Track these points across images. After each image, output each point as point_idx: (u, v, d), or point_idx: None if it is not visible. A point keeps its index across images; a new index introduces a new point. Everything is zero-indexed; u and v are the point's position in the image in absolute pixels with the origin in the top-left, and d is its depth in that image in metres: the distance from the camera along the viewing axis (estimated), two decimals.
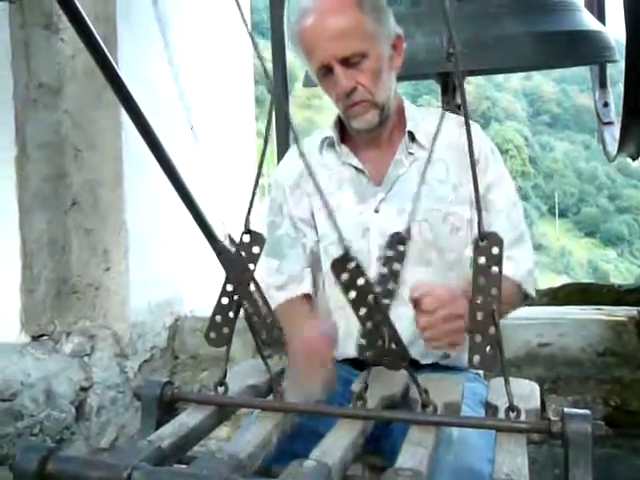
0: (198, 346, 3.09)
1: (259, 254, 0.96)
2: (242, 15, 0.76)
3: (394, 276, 0.90)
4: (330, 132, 1.70)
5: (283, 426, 1.01)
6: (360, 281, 0.84)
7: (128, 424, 2.95)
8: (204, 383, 3.03)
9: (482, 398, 1.13)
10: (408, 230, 0.93)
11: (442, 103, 2.55)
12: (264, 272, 1.68)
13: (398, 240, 0.91)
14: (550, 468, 2.43)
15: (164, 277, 3.09)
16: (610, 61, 2.38)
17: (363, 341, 0.89)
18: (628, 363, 2.54)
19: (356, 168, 1.66)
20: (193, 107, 0.82)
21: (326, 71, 1.54)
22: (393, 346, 0.87)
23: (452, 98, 2.50)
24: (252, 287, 0.97)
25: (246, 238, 0.96)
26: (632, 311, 2.64)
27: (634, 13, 1.99)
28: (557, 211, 67.12)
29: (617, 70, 2.77)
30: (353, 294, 0.85)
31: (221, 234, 1.56)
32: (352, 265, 0.84)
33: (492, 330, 0.86)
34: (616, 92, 3.02)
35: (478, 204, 0.85)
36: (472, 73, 2.50)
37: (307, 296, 1.68)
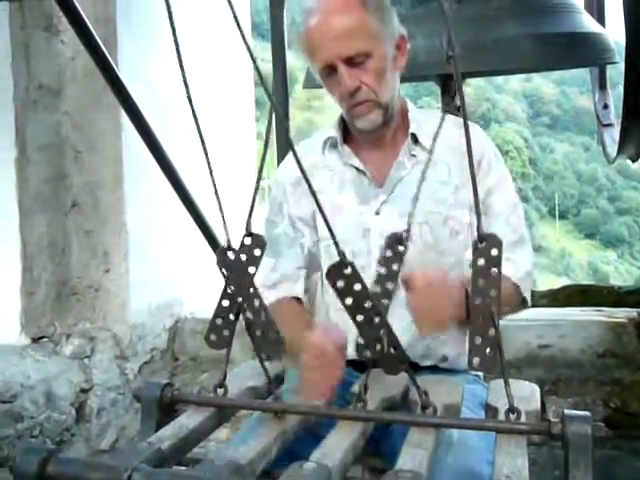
0: (198, 348, 3.09)
1: (260, 256, 0.96)
2: (237, 20, 0.76)
3: (393, 276, 0.90)
4: (333, 132, 1.70)
5: (284, 435, 1.01)
6: (356, 287, 0.84)
7: (128, 426, 2.95)
8: (204, 385, 3.03)
9: (482, 400, 1.13)
10: (408, 230, 0.93)
11: (442, 105, 2.55)
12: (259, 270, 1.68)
13: (396, 240, 0.91)
14: (550, 469, 2.43)
15: (164, 279, 3.09)
16: (610, 63, 2.38)
17: (362, 340, 0.89)
18: (628, 365, 2.54)
19: (358, 169, 1.66)
20: (194, 107, 0.82)
21: (330, 71, 1.54)
22: (392, 351, 0.87)
23: (452, 100, 2.50)
24: (252, 290, 0.97)
25: (247, 241, 0.96)
26: (632, 313, 2.64)
27: (634, 15, 1.99)
28: (557, 213, 67.11)
29: (617, 72, 2.77)
30: (349, 300, 0.85)
31: (221, 236, 1.56)
32: (348, 271, 0.83)
33: (492, 332, 0.86)
34: (616, 94, 3.02)
35: (477, 206, 0.85)
36: (472, 75, 2.50)
37: (297, 299, 1.68)
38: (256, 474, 0.91)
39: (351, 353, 1.61)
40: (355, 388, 1.07)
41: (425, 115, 1.70)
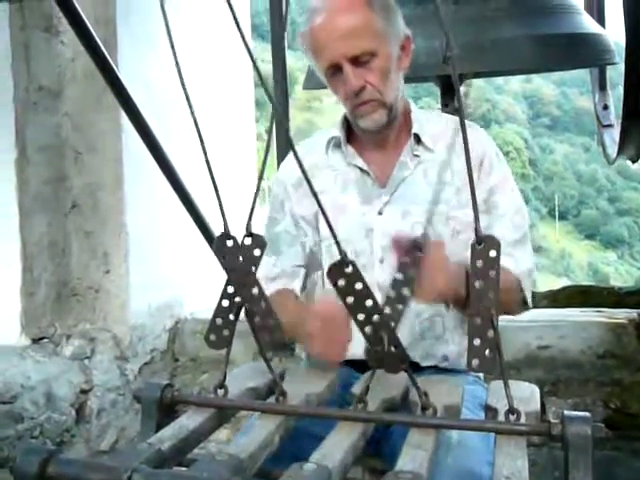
0: (198, 348, 3.09)
1: (260, 256, 0.96)
2: (236, 21, 0.76)
3: (409, 282, 0.90)
4: (337, 132, 1.70)
5: (286, 424, 1.01)
6: (358, 286, 0.84)
7: (128, 426, 2.95)
8: (204, 385, 3.03)
9: (482, 401, 1.13)
10: (425, 236, 0.93)
11: (441, 106, 2.55)
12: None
13: (415, 247, 0.91)
14: (550, 470, 2.43)
15: (164, 280, 3.09)
16: (610, 64, 2.37)
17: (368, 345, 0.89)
18: (628, 365, 2.54)
19: (361, 169, 1.66)
20: (193, 109, 0.82)
21: (335, 70, 1.54)
22: (392, 350, 0.87)
23: (451, 100, 2.50)
24: (255, 289, 0.97)
25: (247, 241, 0.96)
26: (632, 313, 2.64)
27: (634, 16, 1.99)
28: (557, 213, 67.13)
29: (617, 73, 2.77)
30: (350, 299, 0.85)
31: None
32: (349, 270, 0.83)
33: (491, 333, 0.86)
34: (616, 95, 3.02)
35: (475, 206, 0.85)
36: (471, 76, 2.50)
37: (295, 295, 1.69)
38: (257, 467, 0.91)
39: (351, 353, 1.62)
40: (355, 389, 1.08)
41: (427, 116, 1.71)
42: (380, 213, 1.62)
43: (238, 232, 0.95)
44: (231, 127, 3.57)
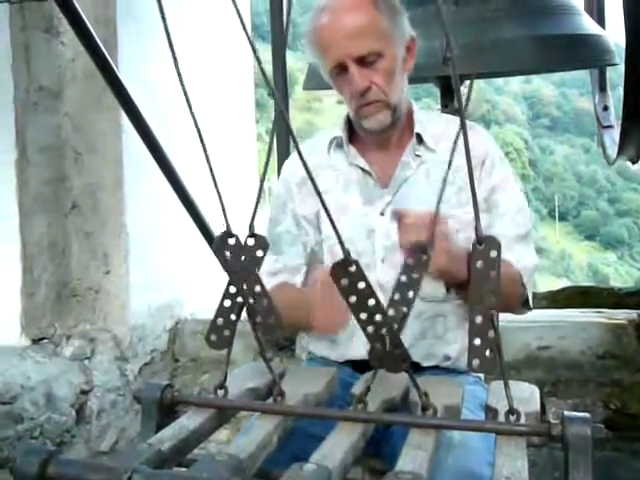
0: (198, 349, 3.09)
1: (262, 257, 0.96)
2: (241, 19, 0.76)
3: (414, 284, 0.90)
4: (339, 132, 1.70)
5: (284, 424, 1.01)
6: (360, 285, 0.84)
7: (128, 427, 2.95)
8: (204, 386, 3.03)
9: (482, 401, 1.13)
10: (431, 239, 0.93)
11: (441, 106, 2.55)
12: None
13: (420, 249, 0.91)
14: (550, 471, 2.43)
15: (164, 280, 3.09)
16: (610, 65, 2.38)
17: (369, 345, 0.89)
18: (628, 366, 2.54)
19: (363, 170, 1.66)
20: (193, 110, 0.82)
21: (340, 70, 1.54)
22: (394, 349, 0.87)
23: (451, 101, 2.50)
24: (257, 289, 0.97)
25: (250, 241, 0.96)
26: (632, 314, 2.64)
27: (634, 17, 1.99)
28: (557, 214, 67.18)
29: (617, 73, 2.77)
30: (353, 298, 0.85)
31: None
32: (353, 269, 0.83)
33: (491, 333, 0.86)
34: (616, 95, 3.02)
35: (476, 206, 0.85)
36: (471, 76, 2.50)
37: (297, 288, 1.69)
38: (257, 467, 0.91)
39: (353, 354, 1.63)
40: (355, 389, 1.08)
41: (429, 116, 1.71)
42: (382, 214, 1.62)
43: (239, 233, 0.95)
44: (231, 128, 3.57)
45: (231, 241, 0.94)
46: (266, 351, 1.02)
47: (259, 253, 0.96)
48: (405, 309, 0.90)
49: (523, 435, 0.91)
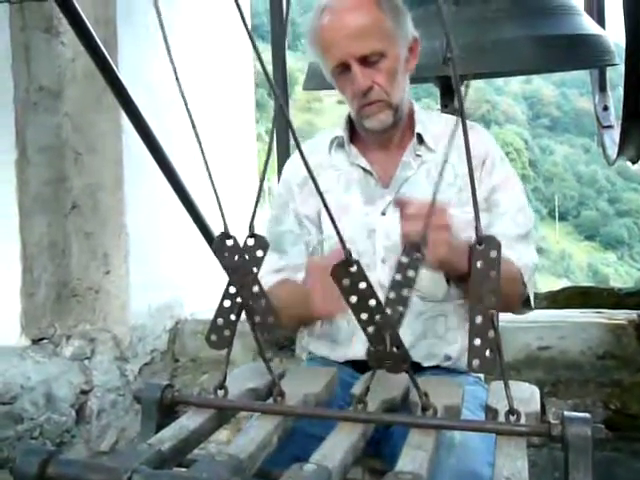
0: (198, 349, 3.10)
1: (263, 257, 0.96)
2: (243, 18, 0.76)
3: (409, 283, 0.90)
4: (340, 132, 1.70)
5: (284, 425, 1.01)
6: (362, 285, 0.84)
7: (128, 427, 2.95)
8: (204, 386, 3.03)
9: (482, 401, 1.13)
10: (425, 237, 0.92)
11: (441, 107, 2.55)
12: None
13: (414, 247, 0.91)
14: (550, 471, 2.43)
15: (164, 280, 3.09)
16: (610, 65, 2.38)
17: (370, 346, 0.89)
18: (628, 366, 2.54)
19: (364, 169, 1.66)
20: (193, 110, 0.81)
21: (343, 69, 1.54)
22: (395, 349, 0.87)
23: (451, 101, 2.50)
24: (255, 289, 0.96)
25: (250, 242, 0.96)
26: (632, 314, 2.64)
27: (634, 17, 1.99)
28: (557, 214, 67.20)
29: (617, 74, 2.77)
30: (354, 299, 0.85)
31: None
32: (354, 269, 0.83)
33: (491, 334, 0.86)
34: (616, 96, 3.02)
35: (476, 206, 0.85)
36: (470, 77, 2.50)
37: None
38: (257, 467, 0.91)
39: (353, 354, 1.63)
40: (355, 389, 1.08)
41: (430, 116, 1.71)
42: (383, 213, 1.62)
43: (239, 233, 0.95)
44: (231, 128, 3.57)
45: (229, 242, 0.94)
46: (266, 351, 1.02)
47: (259, 253, 0.96)
48: (401, 308, 0.90)
49: (523, 435, 0.91)
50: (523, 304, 1.62)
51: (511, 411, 0.92)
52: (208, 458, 0.80)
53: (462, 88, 0.77)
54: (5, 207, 2.95)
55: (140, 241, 2.95)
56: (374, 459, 1.43)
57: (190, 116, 0.88)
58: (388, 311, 0.88)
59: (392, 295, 0.90)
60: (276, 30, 2.70)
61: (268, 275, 1.64)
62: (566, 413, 0.90)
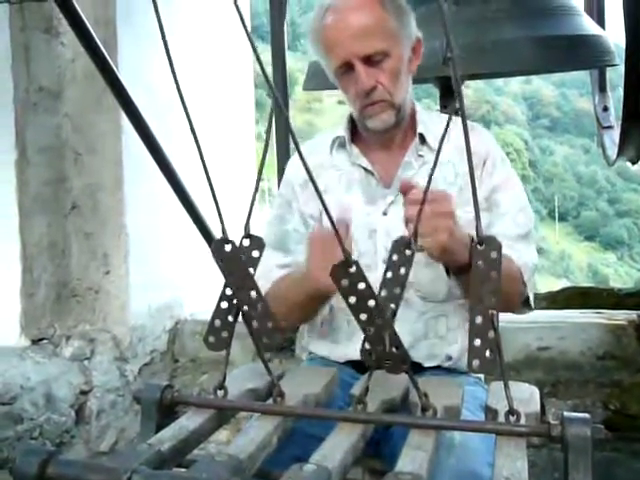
0: (198, 349, 3.09)
1: (259, 258, 0.96)
2: (242, 19, 0.76)
3: (400, 280, 0.90)
4: (342, 132, 1.70)
5: (284, 425, 1.01)
6: (361, 286, 0.84)
7: (128, 427, 2.95)
8: (204, 386, 3.03)
9: (482, 402, 1.13)
10: (415, 234, 0.92)
11: (440, 107, 2.55)
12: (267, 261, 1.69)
13: (404, 244, 0.91)
14: (550, 472, 2.43)
15: (164, 281, 3.09)
16: (610, 65, 2.38)
17: (368, 346, 0.89)
18: (628, 367, 2.54)
19: (366, 169, 1.66)
20: (193, 111, 0.81)
21: (346, 69, 1.54)
22: (394, 350, 0.87)
23: (451, 101, 2.50)
24: (253, 294, 0.96)
25: (246, 242, 0.96)
26: (632, 315, 2.64)
27: (634, 17, 1.99)
28: (557, 215, 67.21)
29: (617, 74, 2.77)
30: (353, 299, 0.85)
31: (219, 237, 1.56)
32: (353, 270, 0.83)
33: (491, 334, 0.86)
34: (616, 96, 3.02)
35: (476, 206, 0.85)
36: (471, 77, 2.50)
37: None
38: (256, 468, 0.91)
39: (353, 354, 1.62)
40: (355, 390, 1.08)
41: (432, 116, 1.71)
42: (385, 214, 1.62)
43: (238, 233, 0.95)
44: (231, 128, 3.57)
45: (227, 247, 0.94)
46: (264, 352, 1.02)
47: (255, 254, 0.96)
48: (393, 305, 0.90)
49: (523, 436, 0.91)
50: (523, 304, 1.62)
51: (511, 411, 0.92)
52: (208, 458, 0.80)
53: (463, 88, 0.77)
54: (5, 207, 2.95)
55: (140, 241, 2.95)
56: (374, 459, 1.43)
57: (188, 117, 0.88)
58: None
59: (384, 293, 0.91)
60: (276, 30, 2.70)
61: (273, 270, 1.64)
62: (566, 413, 0.90)
